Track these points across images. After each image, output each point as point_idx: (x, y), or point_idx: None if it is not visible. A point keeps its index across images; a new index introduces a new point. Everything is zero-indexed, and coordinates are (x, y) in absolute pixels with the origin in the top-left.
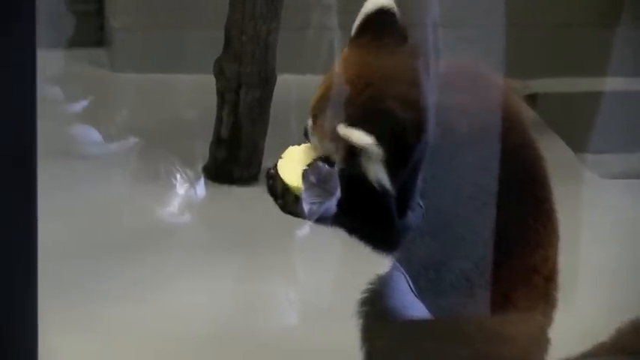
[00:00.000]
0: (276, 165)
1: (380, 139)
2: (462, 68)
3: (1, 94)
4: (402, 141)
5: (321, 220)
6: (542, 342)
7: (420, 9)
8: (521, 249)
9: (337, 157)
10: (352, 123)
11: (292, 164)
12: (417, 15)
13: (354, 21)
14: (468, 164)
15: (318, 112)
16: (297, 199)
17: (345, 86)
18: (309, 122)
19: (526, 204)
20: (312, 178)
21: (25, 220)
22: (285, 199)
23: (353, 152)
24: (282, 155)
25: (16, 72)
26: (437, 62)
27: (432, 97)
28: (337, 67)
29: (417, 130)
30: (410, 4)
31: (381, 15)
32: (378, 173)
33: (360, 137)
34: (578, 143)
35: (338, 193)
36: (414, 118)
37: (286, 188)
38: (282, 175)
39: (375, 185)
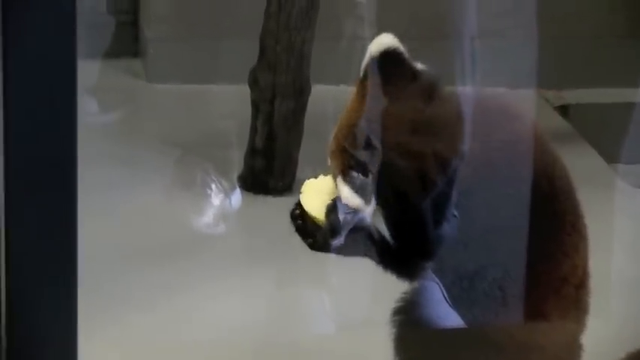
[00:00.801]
0: (299, 204)
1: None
2: (484, 101)
3: (43, 104)
4: (401, 189)
5: (351, 248)
6: (574, 349)
7: (457, 21)
8: (548, 259)
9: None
10: (351, 168)
11: (316, 197)
12: (453, 28)
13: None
14: (497, 182)
15: (329, 155)
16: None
17: (347, 134)
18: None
19: (548, 216)
20: (347, 189)
21: (67, 227)
22: (315, 236)
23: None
24: (302, 190)
25: (58, 81)
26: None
27: (442, 139)
28: (348, 108)
29: (420, 180)
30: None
31: (387, 56)
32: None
33: (349, 199)
34: (610, 153)
35: (373, 204)
36: (415, 168)
37: (314, 224)
38: (308, 210)
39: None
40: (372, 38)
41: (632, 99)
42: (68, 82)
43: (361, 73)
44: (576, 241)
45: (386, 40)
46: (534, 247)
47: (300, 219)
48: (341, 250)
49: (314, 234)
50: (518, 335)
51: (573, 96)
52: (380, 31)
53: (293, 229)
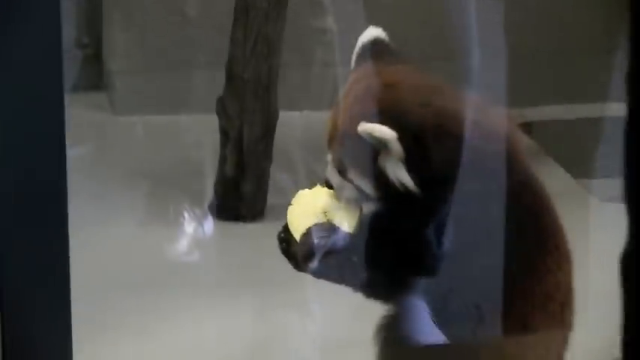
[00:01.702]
0: (285, 227)
1: (399, 139)
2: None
3: (31, 136)
4: (421, 140)
5: (333, 272)
6: None
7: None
8: (531, 277)
9: (357, 175)
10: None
11: (301, 217)
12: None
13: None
14: (470, 196)
15: (334, 141)
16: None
17: (359, 102)
18: (328, 159)
19: (529, 235)
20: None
21: (57, 252)
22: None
23: (373, 157)
24: (292, 202)
25: (45, 112)
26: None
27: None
28: (345, 93)
29: (435, 132)
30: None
31: (376, 45)
32: (397, 172)
33: (382, 130)
34: (577, 169)
35: (345, 228)
36: (432, 119)
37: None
38: (291, 226)
39: (397, 185)
40: (342, 64)
41: (595, 114)
42: (56, 113)
43: (352, 64)
44: (558, 259)
45: (374, 31)
46: (517, 263)
47: (285, 242)
48: (322, 275)
49: (297, 255)
50: (505, 351)
51: (535, 113)
52: (345, 57)
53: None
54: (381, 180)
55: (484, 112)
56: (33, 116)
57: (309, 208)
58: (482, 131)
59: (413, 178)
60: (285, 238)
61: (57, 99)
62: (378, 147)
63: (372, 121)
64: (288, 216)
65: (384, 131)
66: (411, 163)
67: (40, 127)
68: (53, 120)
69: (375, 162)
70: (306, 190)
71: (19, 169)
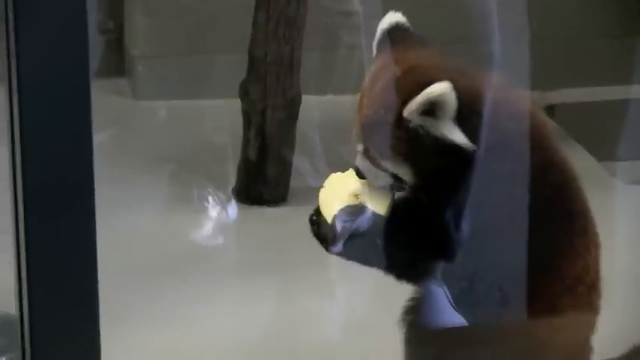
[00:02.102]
0: (317, 210)
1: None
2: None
3: (57, 124)
4: (464, 98)
5: (364, 257)
6: (587, 349)
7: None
8: (560, 260)
9: (390, 163)
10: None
11: (333, 199)
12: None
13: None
14: (496, 177)
15: (364, 131)
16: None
17: (385, 90)
18: (358, 149)
19: (557, 218)
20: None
21: (84, 240)
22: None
23: (420, 128)
24: (324, 184)
25: (72, 99)
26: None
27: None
28: (370, 82)
29: (464, 110)
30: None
31: (397, 30)
32: (452, 130)
33: (435, 87)
34: (600, 151)
35: (369, 212)
36: (461, 96)
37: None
38: (323, 211)
39: (452, 144)
40: (367, 47)
41: (618, 97)
42: (83, 100)
43: (374, 51)
44: (587, 242)
45: (394, 16)
46: (544, 246)
47: (317, 225)
48: (351, 257)
49: (329, 237)
50: (532, 333)
51: (558, 96)
52: (368, 41)
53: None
54: (418, 164)
55: (510, 93)
56: (59, 104)
57: (341, 190)
58: (508, 112)
59: (466, 129)
60: (317, 221)
61: (83, 85)
62: (430, 111)
63: (400, 109)
64: (320, 198)
65: (437, 87)
66: (462, 117)
67: (66, 114)
68: (79, 107)
69: (413, 144)
70: (338, 173)
71: (46, 158)
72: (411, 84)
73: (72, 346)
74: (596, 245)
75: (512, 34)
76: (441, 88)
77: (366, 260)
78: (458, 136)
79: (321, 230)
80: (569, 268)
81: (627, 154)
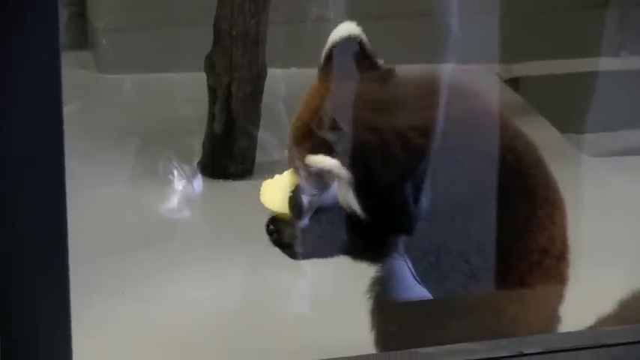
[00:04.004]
0: (272, 219)
1: (346, 164)
2: (444, 80)
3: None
4: (366, 164)
5: (323, 248)
6: (554, 320)
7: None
8: (523, 232)
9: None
10: (317, 150)
11: (275, 194)
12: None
13: (342, 13)
14: (459, 159)
15: (291, 141)
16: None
17: (311, 117)
18: (286, 151)
19: (517, 192)
20: (312, 170)
21: (55, 218)
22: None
23: (323, 179)
24: (261, 192)
25: (42, 74)
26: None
27: (400, 117)
28: (307, 97)
29: (381, 154)
30: None
31: (347, 43)
32: (347, 198)
33: (326, 162)
34: (564, 124)
35: (335, 186)
36: (376, 143)
37: (282, 220)
38: (270, 208)
39: (347, 210)
40: (335, 20)
41: (582, 69)
42: (53, 73)
43: (322, 59)
44: (551, 213)
45: (347, 28)
46: (506, 221)
47: (276, 233)
48: (315, 253)
49: (290, 243)
50: (500, 305)
51: (523, 69)
52: (334, 13)
53: (271, 243)
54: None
55: (454, 83)
56: (29, 77)
57: (281, 186)
58: (454, 104)
59: (362, 197)
60: (275, 229)
61: (54, 58)
62: (327, 176)
63: (318, 143)
64: (263, 199)
65: (328, 162)
66: (359, 185)
67: (36, 87)
68: (49, 80)
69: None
70: (268, 179)
71: (16, 131)
72: (329, 130)
73: (42, 318)
74: (562, 215)
75: (477, 8)
76: (328, 165)
77: (327, 247)
78: (351, 202)
79: (282, 237)
80: (534, 240)
81: (591, 127)
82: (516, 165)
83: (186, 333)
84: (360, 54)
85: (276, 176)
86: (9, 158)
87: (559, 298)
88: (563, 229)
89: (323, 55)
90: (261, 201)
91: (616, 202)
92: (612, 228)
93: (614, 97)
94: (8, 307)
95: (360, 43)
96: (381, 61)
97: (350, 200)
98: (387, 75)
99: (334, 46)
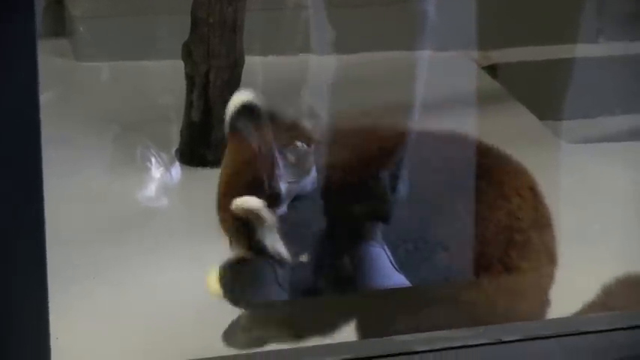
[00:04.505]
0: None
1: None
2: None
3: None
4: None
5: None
6: (544, 303)
7: None
8: (481, 217)
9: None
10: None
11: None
12: None
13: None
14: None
15: (222, 198)
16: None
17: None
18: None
19: (461, 177)
20: (291, 157)
21: (32, 207)
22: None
23: (250, 230)
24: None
25: (18, 61)
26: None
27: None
28: (223, 165)
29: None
30: None
31: (245, 110)
32: (274, 242)
33: (251, 202)
34: (543, 111)
35: (314, 173)
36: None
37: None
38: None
39: (275, 256)
40: (314, 7)
41: (562, 56)
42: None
43: (227, 127)
44: (496, 192)
45: (244, 96)
46: (464, 207)
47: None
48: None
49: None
50: (483, 290)
51: (501, 55)
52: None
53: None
54: None
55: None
56: (5, 65)
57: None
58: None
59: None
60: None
61: (30, 46)
62: (252, 221)
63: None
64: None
65: (251, 202)
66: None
67: (12, 75)
68: (26, 68)
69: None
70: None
71: None
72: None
73: (20, 305)
74: (512, 188)
75: None
76: (254, 205)
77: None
78: (277, 246)
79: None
80: (495, 220)
81: (570, 114)
82: (467, 158)
83: (164, 317)
84: (258, 115)
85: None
86: None
87: (548, 277)
88: (522, 203)
89: (227, 122)
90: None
91: (594, 188)
92: (590, 214)
93: (592, 84)
94: None
95: (256, 107)
96: (286, 114)
97: (276, 244)
98: (292, 125)
99: (233, 116)
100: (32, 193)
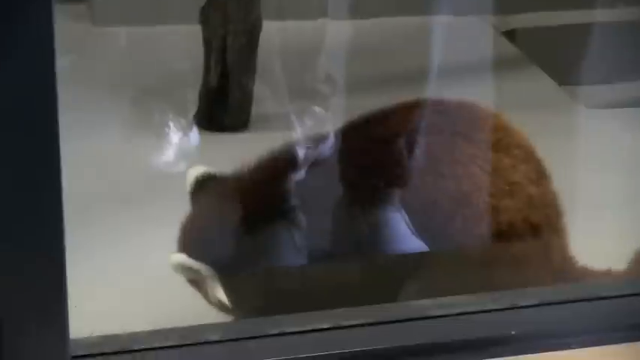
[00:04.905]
0: None
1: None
2: None
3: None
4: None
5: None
6: (566, 259)
7: None
8: (472, 178)
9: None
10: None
11: None
12: None
13: None
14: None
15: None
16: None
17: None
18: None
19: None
20: (308, 121)
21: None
22: None
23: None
24: None
25: (35, 26)
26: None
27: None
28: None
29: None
30: None
31: (202, 182)
32: (218, 294)
33: (182, 259)
34: (560, 76)
35: (331, 138)
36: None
37: None
38: None
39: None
40: None
41: (581, 20)
42: (46, 26)
43: (189, 192)
44: (472, 151)
45: (195, 172)
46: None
47: None
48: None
49: None
50: (496, 257)
51: (519, 20)
52: None
53: None
54: None
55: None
56: (21, 30)
57: None
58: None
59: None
60: None
61: (47, 10)
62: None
63: None
64: None
65: (182, 259)
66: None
67: (28, 40)
68: (42, 32)
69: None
70: None
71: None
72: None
73: (36, 270)
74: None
75: None
76: (188, 262)
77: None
78: (220, 296)
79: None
80: (480, 179)
81: (589, 79)
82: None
83: (182, 283)
84: (213, 183)
85: None
86: (1, 111)
87: (556, 248)
88: (529, 171)
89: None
90: None
91: (613, 153)
92: (610, 179)
93: (611, 49)
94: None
95: (210, 176)
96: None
97: (219, 295)
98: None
99: (192, 185)
100: (49, 158)
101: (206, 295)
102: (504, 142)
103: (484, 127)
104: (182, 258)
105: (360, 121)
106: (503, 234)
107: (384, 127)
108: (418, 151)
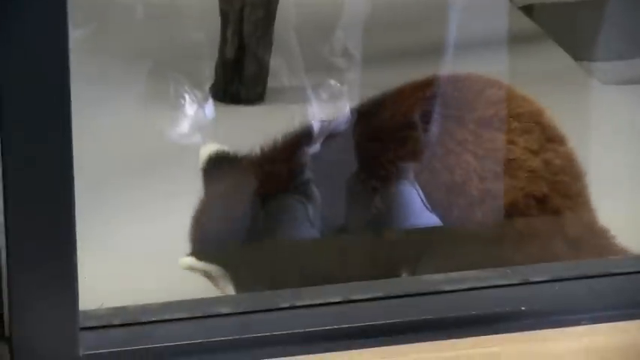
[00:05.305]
0: None
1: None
2: None
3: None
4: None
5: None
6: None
7: None
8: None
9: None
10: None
11: None
12: None
13: None
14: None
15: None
16: None
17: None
18: None
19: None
20: (324, 95)
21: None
22: None
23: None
24: None
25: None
26: None
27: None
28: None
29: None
30: None
31: (215, 159)
32: (225, 289)
33: (200, 265)
34: (577, 51)
35: (347, 111)
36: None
37: None
38: None
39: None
40: None
41: None
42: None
43: (202, 172)
44: (464, 135)
45: (210, 149)
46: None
47: None
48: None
49: None
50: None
51: None
52: None
53: None
54: None
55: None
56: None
57: None
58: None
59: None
60: None
61: None
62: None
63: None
64: None
65: (197, 264)
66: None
67: (42, 11)
68: (55, 2)
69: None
70: None
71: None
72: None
73: (47, 242)
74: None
75: None
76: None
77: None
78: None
79: None
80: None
81: (605, 55)
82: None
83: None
84: (227, 160)
85: None
86: (15, 84)
87: (577, 221)
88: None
89: (200, 168)
90: None
91: (629, 129)
92: (625, 155)
93: (627, 26)
94: (14, 231)
95: (224, 153)
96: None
97: (229, 292)
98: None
99: (204, 167)
100: (61, 129)
101: (218, 289)
102: (500, 115)
103: (478, 103)
104: (191, 261)
105: (376, 98)
106: (507, 214)
107: (400, 104)
108: (433, 125)
